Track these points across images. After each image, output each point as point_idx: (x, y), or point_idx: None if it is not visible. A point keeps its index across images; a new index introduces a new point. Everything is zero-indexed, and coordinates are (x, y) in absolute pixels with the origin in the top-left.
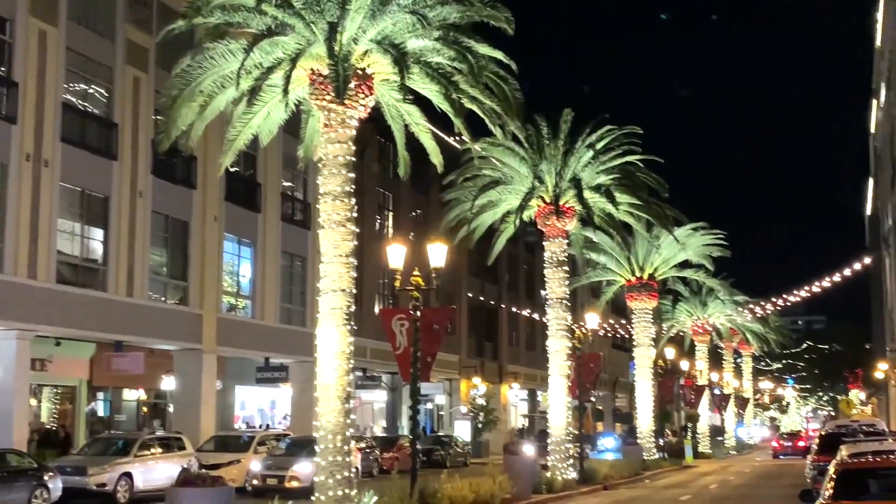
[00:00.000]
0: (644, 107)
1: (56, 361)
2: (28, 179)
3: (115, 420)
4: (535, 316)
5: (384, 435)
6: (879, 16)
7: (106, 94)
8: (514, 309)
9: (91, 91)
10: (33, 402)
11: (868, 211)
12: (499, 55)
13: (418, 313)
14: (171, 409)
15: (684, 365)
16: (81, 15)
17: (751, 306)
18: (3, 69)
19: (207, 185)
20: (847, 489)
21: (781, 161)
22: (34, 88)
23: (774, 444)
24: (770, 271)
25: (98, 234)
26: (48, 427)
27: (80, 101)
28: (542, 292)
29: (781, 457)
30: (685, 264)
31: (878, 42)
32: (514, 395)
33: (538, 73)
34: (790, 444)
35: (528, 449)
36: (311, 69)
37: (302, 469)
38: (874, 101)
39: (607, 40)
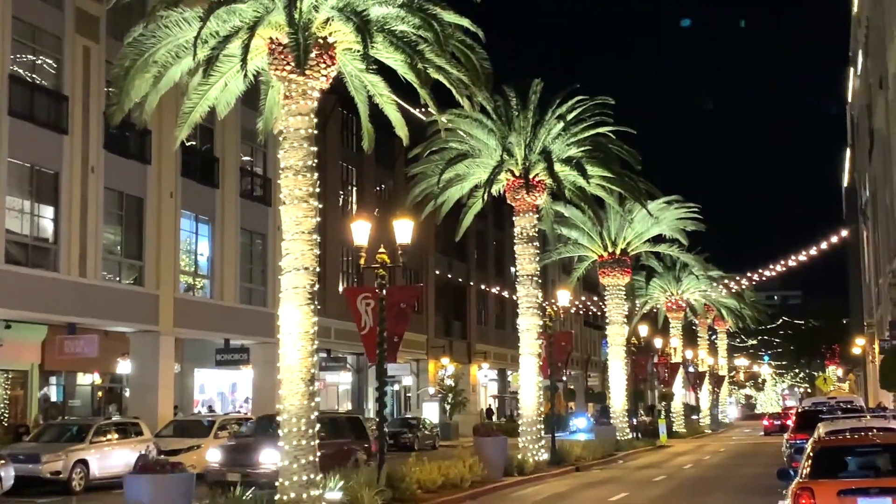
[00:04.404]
0: (617, 77)
1: (6, 345)
2: None
3: (69, 405)
4: (505, 293)
5: None
6: None
7: (55, 65)
8: (482, 286)
9: (39, 62)
10: None
11: (845, 182)
12: (465, 23)
13: (384, 292)
14: (127, 393)
15: (658, 342)
16: None
17: (726, 281)
18: None
19: (163, 159)
20: (825, 467)
21: (756, 132)
22: None
23: (765, 422)
24: (745, 245)
25: (48, 211)
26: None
27: (28, 73)
28: (512, 269)
29: (772, 434)
30: (658, 239)
31: (854, 9)
32: (483, 376)
33: (507, 43)
34: (779, 422)
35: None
36: (271, 38)
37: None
38: (851, 70)
39: (576, 8)
